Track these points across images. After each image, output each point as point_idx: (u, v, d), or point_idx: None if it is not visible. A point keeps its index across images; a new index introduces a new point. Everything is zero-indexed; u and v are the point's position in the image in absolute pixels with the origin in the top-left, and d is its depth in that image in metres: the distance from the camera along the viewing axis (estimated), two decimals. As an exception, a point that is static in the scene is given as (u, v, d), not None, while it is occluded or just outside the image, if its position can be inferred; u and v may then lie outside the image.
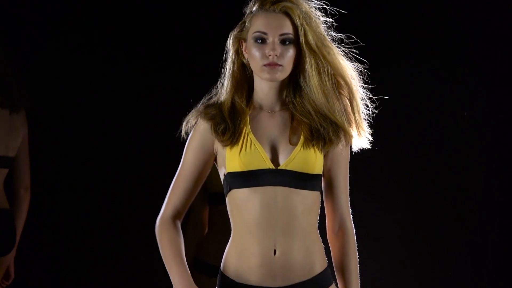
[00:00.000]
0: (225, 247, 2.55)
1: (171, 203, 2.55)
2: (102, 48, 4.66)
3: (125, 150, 4.69)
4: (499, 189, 4.67)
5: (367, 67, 2.60)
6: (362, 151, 2.62)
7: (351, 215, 2.58)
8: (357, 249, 2.57)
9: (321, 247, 2.54)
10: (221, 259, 2.53)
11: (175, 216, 2.55)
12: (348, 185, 2.59)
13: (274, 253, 2.46)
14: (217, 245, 3.48)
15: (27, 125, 3.97)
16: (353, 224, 2.58)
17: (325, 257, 2.55)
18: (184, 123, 2.56)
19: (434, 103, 4.66)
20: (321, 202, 2.55)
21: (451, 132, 4.68)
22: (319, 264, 2.51)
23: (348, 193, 2.59)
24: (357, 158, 2.74)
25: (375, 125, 2.61)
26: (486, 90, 4.64)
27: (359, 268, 2.57)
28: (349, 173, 2.59)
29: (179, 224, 2.56)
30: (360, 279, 2.56)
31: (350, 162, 2.59)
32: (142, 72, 4.69)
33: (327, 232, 2.59)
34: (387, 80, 4.51)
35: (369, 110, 2.59)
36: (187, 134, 2.56)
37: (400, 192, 4.70)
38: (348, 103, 2.55)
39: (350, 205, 2.59)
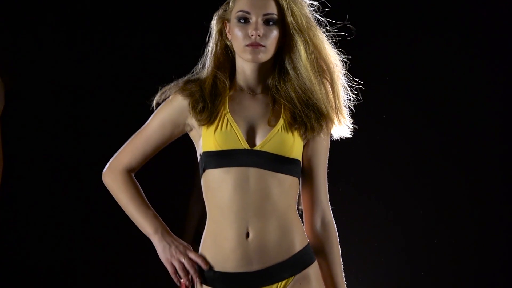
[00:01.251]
0: None
1: (126, 159, 2.53)
2: (82, 29, 4.60)
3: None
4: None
5: (350, 57, 2.58)
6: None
7: (331, 209, 2.54)
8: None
9: (300, 225, 2.49)
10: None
11: (131, 171, 2.54)
12: (326, 171, 2.54)
13: (247, 236, 2.42)
14: None
15: (4, 100, 3.92)
16: (333, 219, 2.53)
17: (305, 235, 2.50)
18: (159, 93, 2.51)
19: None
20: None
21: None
22: (298, 243, 2.47)
23: (327, 186, 2.54)
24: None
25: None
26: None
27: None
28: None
29: (135, 179, 2.55)
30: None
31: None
32: (124, 54, 4.63)
33: (304, 226, 2.54)
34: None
35: (350, 98, 2.56)
36: (158, 104, 2.52)
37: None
38: (330, 89, 2.50)
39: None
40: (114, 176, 2.53)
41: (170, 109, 2.50)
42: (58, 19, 4.54)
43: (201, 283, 2.46)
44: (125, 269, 4.61)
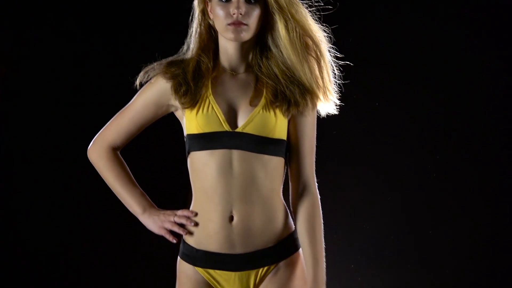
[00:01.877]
0: None
1: (111, 137, 2.54)
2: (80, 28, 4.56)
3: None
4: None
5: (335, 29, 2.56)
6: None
7: (316, 183, 2.52)
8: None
9: (285, 212, 2.48)
10: None
11: (115, 149, 2.56)
12: (315, 151, 2.52)
13: (231, 219, 2.41)
14: None
15: None
16: (317, 191, 2.50)
17: (291, 222, 2.49)
18: (142, 72, 2.50)
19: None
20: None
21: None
22: (283, 230, 2.46)
23: (314, 159, 2.52)
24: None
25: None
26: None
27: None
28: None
29: (120, 157, 2.56)
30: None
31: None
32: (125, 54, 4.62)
33: (290, 199, 2.52)
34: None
35: (335, 74, 2.54)
36: (141, 84, 2.52)
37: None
38: (316, 65, 2.47)
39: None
40: (99, 153, 2.54)
41: (153, 91, 2.49)
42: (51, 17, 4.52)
43: (185, 233, 2.48)
44: (124, 267, 4.62)
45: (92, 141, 2.57)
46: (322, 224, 2.47)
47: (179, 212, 2.47)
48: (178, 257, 2.53)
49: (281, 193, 2.48)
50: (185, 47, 2.54)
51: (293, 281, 2.47)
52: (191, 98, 2.43)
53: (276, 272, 2.46)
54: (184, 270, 2.48)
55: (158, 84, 2.48)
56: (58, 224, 4.52)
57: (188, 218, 2.45)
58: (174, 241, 2.49)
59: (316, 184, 2.51)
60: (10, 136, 4.40)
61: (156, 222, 2.50)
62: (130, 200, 2.52)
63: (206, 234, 2.43)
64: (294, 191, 2.49)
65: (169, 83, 2.47)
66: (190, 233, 2.46)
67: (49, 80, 4.46)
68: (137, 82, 2.50)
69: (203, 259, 2.44)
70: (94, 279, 4.56)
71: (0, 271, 4.47)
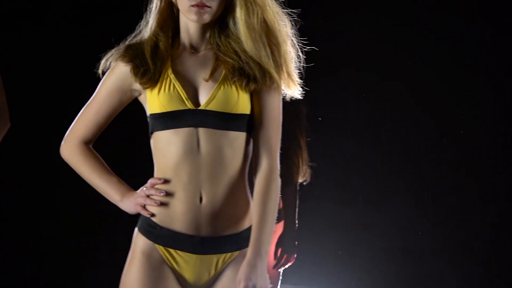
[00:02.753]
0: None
1: (81, 132, 2.49)
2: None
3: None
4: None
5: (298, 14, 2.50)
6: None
7: (279, 163, 2.45)
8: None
9: (249, 200, 2.43)
10: None
11: (87, 143, 2.50)
12: (280, 130, 2.45)
13: (200, 200, 2.36)
14: None
15: None
16: (279, 171, 2.44)
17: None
18: (103, 61, 2.45)
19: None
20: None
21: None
22: (246, 220, 2.42)
23: (279, 139, 2.45)
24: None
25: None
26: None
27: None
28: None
29: (94, 150, 2.51)
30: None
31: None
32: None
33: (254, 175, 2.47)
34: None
35: (300, 60, 2.47)
36: (103, 72, 2.47)
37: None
38: (278, 51, 2.41)
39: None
40: (71, 149, 2.50)
41: (114, 77, 2.44)
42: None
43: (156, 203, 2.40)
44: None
45: (63, 139, 2.52)
46: (277, 205, 2.41)
47: (148, 183, 2.41)
48: (136, 230, 2.44)
49: (246, 178, 2.43)
50: (143, 22, 2.47)
51: None
52: (151, 78, 2.39)
53: (239, 260, 2.39)
54: (142, 245, 2.40)
55: (118, 69, 2.43)
56: (58, 224, 4.56)
57: (158, 190, 2.38)
58: (148, 215, 2.40)
59: (279, 165, 2.44)
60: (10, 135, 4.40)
61: (131, 202, 2.43)
62: (108, 189, 2.47)
63: (173, 213, 2.37)
64: (256, 166, 2.43)
65: (128, 66, 2.41)
66: (165, 204, 2.39)
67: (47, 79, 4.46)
68: (100, 71, 2.46)
69: (166, 237, 2.38)
70: (94, 279, 4.56)
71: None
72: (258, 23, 2.38)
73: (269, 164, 2.41)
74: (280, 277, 3.85)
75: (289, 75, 2.42)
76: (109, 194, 2.47)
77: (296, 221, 3.84)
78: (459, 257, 4.65)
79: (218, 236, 2.37)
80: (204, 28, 2.43)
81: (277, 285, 3.83)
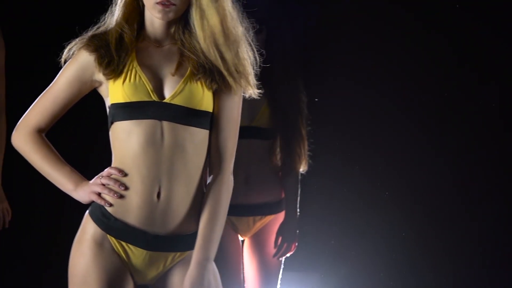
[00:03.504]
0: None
1: (35, 120, 2.45)
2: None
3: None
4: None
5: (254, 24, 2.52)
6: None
7: (232, 165, 2.44)
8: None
9: (202, 198, 2.41)
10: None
11: (40, 131, 2.46)
12: (237, 131, 2.45)
13: (158, 196, 2.34)
14: (237, 180, 3.65)
15: (5, 48, 3.75)
16: (232, 176, 2.43)
17: None
18: (66, 50, 2.43)
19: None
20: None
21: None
22: (199, 218, 2.39)
23: (235, 140, 2.44)
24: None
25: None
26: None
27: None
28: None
29: (46, 139, 2.47)
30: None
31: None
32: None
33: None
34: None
35: (256, 62, 2.46)
36: (66, 61, 2.44)
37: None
38: (234, 54, 2.40)
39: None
40: (23, 137, 2.45)
41: (76, 66, 2.41)
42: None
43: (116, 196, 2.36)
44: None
45: (16, 127, 2.48)
46: (227, 208, 2.40)
47: (104, 173, 2.38)
48: (87, 214, 2.41)
49: (203, 178, 2.41)
50: (108, 13, 2.46)
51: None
52: (114, 69, 2.37)
53: (188, 259, 2.37)
54: (93, 233, 2.37)
55: (81, 58, 2.40)
56: (56, 223, 4.55)
57: (115, 181, 2.35)
58: (107, 205, 2.37)
59: (232, 164, 2.44)
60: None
61: (85, 191, 2.39)
62: (61, 179, 2.43)
63: (128, 206, 2.34)
64: (210, 168, 2.43)
65: (92, 56, 2.39)
66: (122, 196, 2.36)
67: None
68: (62, 60, 2.43)
69: (119, 230, 2.35)
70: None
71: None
72: (214, 26, 2.37)
73: (223, 166, 2.40)
74: (282, 265, 3.85)
75: (245, 78, 2.40)
76: (61, 183, 2.43)
77: (298, 210, 3.84)
78: (455, 250, 4.69)
79: (171, 235, 2.36)
80: (169, 24, 2.42)
81: (279, 273, 3.83)
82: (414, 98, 4.70)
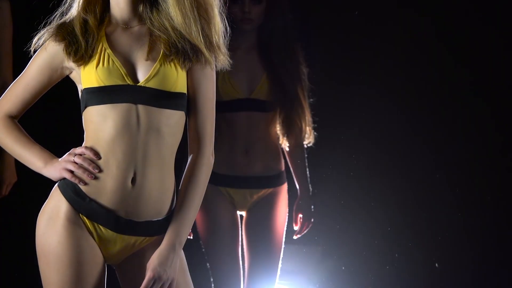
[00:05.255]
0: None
1: (6, 107, 2.46)
2: None
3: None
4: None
5: None
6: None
7: (212, 144, 2.44)
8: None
9: (173, 183, 2.42)
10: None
11: (11, 117, 2.47)
12: (214, 108, 2.44)
13: (133, 181, 2.35)
14: (223, 153, 3.66)
15: (12, 25, 3.77)
16: (212, 158, 2.43)
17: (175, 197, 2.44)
18: (35, 39, 2.43)
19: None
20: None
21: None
22: (170, 204, 2.40)
23: (213, 117, 2.44)
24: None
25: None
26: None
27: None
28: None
29: (18, 124, 2.47)
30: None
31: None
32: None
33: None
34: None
35: (226, 34, 2.45)
36: (35, 51, 2.45)
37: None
38: (208, 25, 2.38)
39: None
40: None
41: (45, 55, 2.42)
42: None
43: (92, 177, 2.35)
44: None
45: None
46: (203, 192, 2.41)
47: (78, 150, 2.37)
48: (56, 189, 2.41)
49: (174, 162, 2.41)
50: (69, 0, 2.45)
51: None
52: (83, 55, 2.36)
53: (157, 243, 2.38)
54: (65, 211, 2.36)
55: (50, 47, 2.40)
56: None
57: (89, 161, 2.35)
58: (81, 184, 2.36)
59: (212, 145, 2.43)
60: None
61: (56, 168, 2.39)
62: (30, 157, 2.42)
63: (102, 188, 2.34)
64: (189, 150, 2.43)
65: (60, 45, 2.39)
66: (96, 178, 2.35)
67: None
68: (32, 50, 2.44)
69: (92, 211, 2.35)
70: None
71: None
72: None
73: (203, 149, 2.40)
74: (283, 240, 3.83)
75: (219, 49, 2.39)
76: (31, 162, 2.42)
77: (310, 186, 3.82)
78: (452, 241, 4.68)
79: (142, 220, 2.36)
80: (135, 2, 2.39)
81: (281, 248, 3.81)
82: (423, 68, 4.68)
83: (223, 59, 2.41)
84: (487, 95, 4.61)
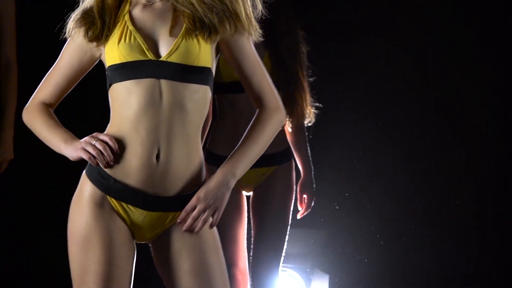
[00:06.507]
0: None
1: (41, 94, 2.47)
2: None
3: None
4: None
5: None
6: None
7: (277, 95, 2.43)
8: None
9: (202, 160, 2.41)
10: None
11: (46, 105, 2.47)
12: (262, 68, 2.42)
13: (157, 158, 2.33)
14: (227, 135, 3.69)
15: (15, 4, 3.75)
16: (282, 108, 2.43)
17: (204, 169, 2.43)
18: (68, 25, 2.44)
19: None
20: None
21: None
22: (199, 177, 2.39)
23: (264, 75, 2.42)
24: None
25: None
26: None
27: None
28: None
29: (51, 110, 2.47)
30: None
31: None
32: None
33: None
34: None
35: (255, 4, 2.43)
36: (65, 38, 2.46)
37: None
38: None
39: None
40: (29, 110, 2.48)
41: (73, 40, 2.43)
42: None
43: (106, 165, 2.33)
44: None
45: (27, 104, 2.50)
46: (270, 136, 2.40)
47: (102, 136, 2.34)
48: (84, 175, 2.40)
49: (200, 137, 2.40)
50: None
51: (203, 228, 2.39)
52: (98, 35, 2.37)
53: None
54: (92, 194, 2.36)
55: (76, 32, 2.41)
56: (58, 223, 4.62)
57: (111, 148, 2.33)
58: (94, 164, 2.34)
59: (278, 100, 2.43)
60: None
61: (76, 146, 2.36)
62: (53, 139, 2.40)
63: (128, 168, 2.33)
64: (256, 107, 2.44)
65: (83, 29, 2.39)
66: (110, 166, 2.34)
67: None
68: (67, 36, 2.45)
69: (119, 191, 2.34)
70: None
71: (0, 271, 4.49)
72: None
73: (266, 103, 2.40)
74: (290, 220, 3.85)
75: (248, 18, 2.38)
76: (54, 143, 2.41)
77: (311, 165, 3.85)
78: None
79: (171, 195, 2.35)
80: None
81: (288, 227, 3.83)
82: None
83: (252, 29, 2.39)
84: (487, 95, 4.66)
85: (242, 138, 2.38)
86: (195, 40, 2.33)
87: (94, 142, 2.33)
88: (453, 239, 4.70)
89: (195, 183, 2.37)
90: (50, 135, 2.42)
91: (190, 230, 2.33)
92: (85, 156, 2.33)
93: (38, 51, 4.21)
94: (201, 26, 2.33)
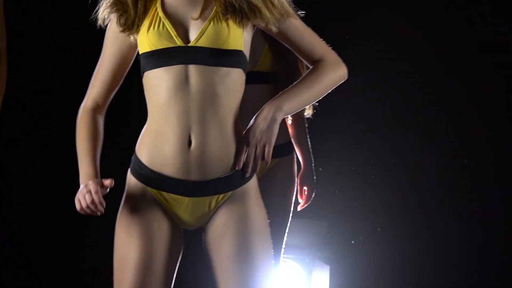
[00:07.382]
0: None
1: (90, 96, 2.46)
2: None
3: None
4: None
5: None
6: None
7: (337, 56, 2.44)
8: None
9: (241, 140, 2.38)
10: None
11: (96, 109, 2.46)
12: (310, 32, 2.43)
13: (189, 144, 2.32)
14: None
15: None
16: (341, 62, 2.44)
17: None
18: (99, 16, 2.43)
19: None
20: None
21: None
22: (236, 161, 2.38)
23: (315, 37, 2.43)
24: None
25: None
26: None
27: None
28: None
29: (100, 118, 2.46)
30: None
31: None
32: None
33: None
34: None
35: None
36: (101, 26, 2.45)
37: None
38: None
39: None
40: (81, 118, 2.47)
41: (110, 30, 2.43)
42: None
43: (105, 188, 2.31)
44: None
45: (81, 105, 2.49)
46: (328, 82, 2.41)
47: (92, 187, 2.29)
48: (129, 171, 2.43)
49: (238, 117, 2.39)
50: None
51: (251, 208, 2.40)
52: (135, 22, 2.36)
53: (232, 200, 2.38)
54: (135, 186, 2.40)
55: (110, 25, 2.43)
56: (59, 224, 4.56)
57: (100, 202, 2.28)
58: (94, 215, 2.32)
59: (335, 54, 2.43)
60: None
61: (79, 190, 2.35)
62: (80, 165, 2.41)
63: (162, 157, 2.35)
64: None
65: (116, 18, 2.39)
66: (155, 146, 2.35)
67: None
68: (101, 24, 2.44)
69: (157, 181, 2.36)
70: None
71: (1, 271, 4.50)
72: None
73: (323, 57, 2.41)
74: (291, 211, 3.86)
75: (281, 3, 2.38)
76: (79, 167, 2.41)
77: (312, 157, 3.86)
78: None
79: (209, 179, 2.35)
80: None
81: (289, 218, 3.83)
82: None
83: (285, 14, 2.39)
84: (488, 95, 4.67)
85: (306, 75, 2.40)
86: (224, 23, 2.33)
87: (84, 193, 2.29)
88: (456, 230, 4.73)
89: (233, 165, 2.36)
90: (79, 160, 2.40)
91: (253, 170, 2.35)
92: (77, 207, 2.32)
93: (29, 42, 4.18)
94: (232, 10, 2.33)
